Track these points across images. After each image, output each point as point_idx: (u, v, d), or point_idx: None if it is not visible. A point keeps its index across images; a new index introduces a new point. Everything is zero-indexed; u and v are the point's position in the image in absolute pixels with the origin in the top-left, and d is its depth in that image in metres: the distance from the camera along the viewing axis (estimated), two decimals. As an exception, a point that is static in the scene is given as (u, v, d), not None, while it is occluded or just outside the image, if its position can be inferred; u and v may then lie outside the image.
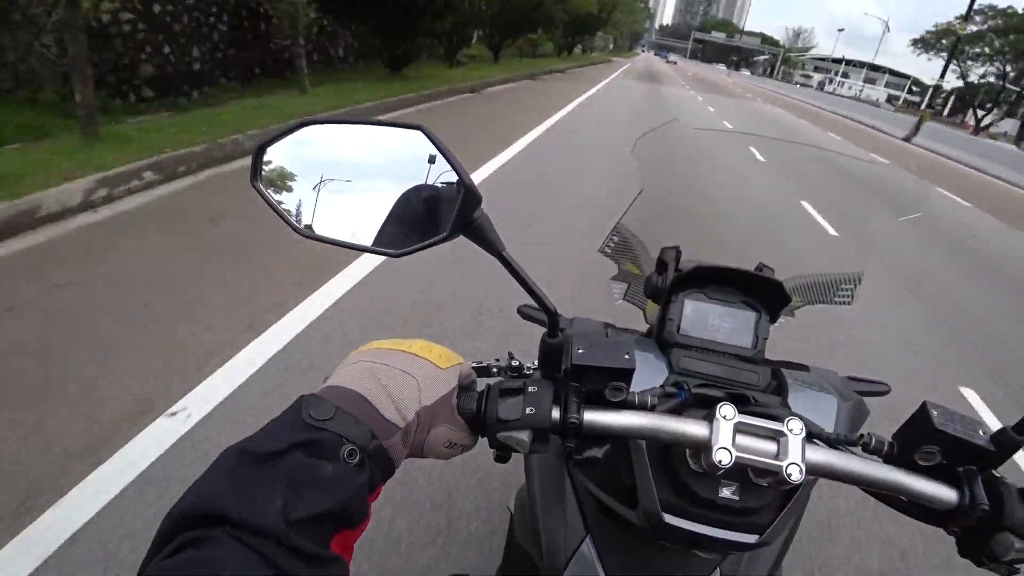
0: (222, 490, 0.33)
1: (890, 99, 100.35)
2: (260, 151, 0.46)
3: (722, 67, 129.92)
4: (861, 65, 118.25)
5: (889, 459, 0.49)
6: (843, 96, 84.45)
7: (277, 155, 0.47)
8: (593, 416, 0.47)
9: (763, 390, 0.63)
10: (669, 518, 0.53)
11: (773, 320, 0.71)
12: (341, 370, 0.45)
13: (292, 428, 0.38)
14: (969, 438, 0.45)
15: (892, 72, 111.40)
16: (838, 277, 0.90)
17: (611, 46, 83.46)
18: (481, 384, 0.52)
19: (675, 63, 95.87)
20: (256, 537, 0.31)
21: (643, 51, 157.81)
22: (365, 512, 0.38)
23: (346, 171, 0.48)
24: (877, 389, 0.79)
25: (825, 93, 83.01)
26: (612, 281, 0.98)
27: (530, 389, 0.48)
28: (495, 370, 0.61)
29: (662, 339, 0.70)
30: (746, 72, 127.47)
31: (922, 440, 0.46)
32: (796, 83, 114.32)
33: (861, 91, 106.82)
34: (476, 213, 0.45)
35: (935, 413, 0.46)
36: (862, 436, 0.50)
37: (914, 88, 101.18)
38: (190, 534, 0.31)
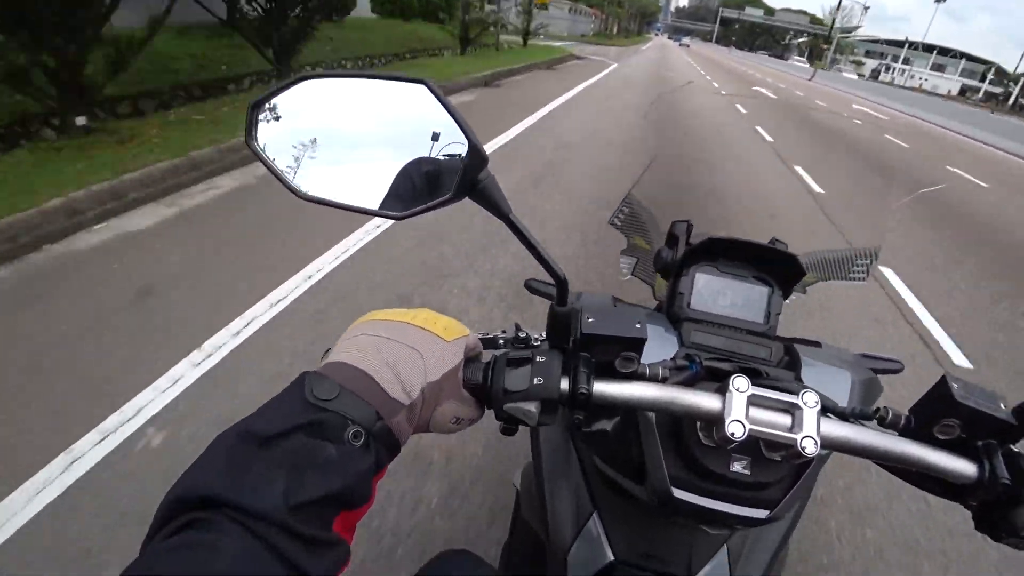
0: (223, 473, 0.33)
1: (964, 91, 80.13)
2: (255, 108, 0.44)
3: (798, 61, 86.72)
4: (928, 49, 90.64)
5: (906, 433, 0.47)
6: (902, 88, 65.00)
7: (273, 112, 0.45)
8: (603, 387, 0.46)
9: (775, 365, 0.61)
10: (678, 493, 0.52)
11: (785, 295, 0.70)
12: (343, 344, 0.44)
13: (295, 408, 0.37)
14: (991, 411, 0.44)
15: (969, 57, 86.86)
16: (853, 253, 0.88)
17: (612, 29, 62.98)
18: (487, 356, 0.51)
19: (688, 45, 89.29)
20: (256, 521, 0.30)
21: (657, 35, 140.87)
22: (369, 493, 0.37)
23: (346, 129, 0.46)
24: (890, 367, 0.78)
25: (882, 84, 62.39)
26: (621, 256, 0.96)
27: (538, 359, 0.46)
28: (501, 342, 0.60)
29: (672, 313, 0.69)
30: (850, 73, 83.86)
31: (941, 413, 0.45)
32: (840, 70, 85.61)
33: (924, 81, 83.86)
34: (482, 174, 0.43)
35: (955, 386, 0.45)
36: (878, 410, 0.49)
37: (992, 77, 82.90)
38: (189, 515, 0.31)
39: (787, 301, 0.72)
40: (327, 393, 0.37)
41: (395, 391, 0.41)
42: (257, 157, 0.45)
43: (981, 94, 78.67)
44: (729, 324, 0.67)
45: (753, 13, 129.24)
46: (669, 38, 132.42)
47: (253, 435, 0.35)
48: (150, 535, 0.31)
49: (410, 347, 0.44)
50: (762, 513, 0.52)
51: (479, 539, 1.59)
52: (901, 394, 2.24)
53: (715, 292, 0.69)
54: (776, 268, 0.69)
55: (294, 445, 0.34)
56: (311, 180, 0.46)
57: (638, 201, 0.95)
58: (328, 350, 0.44)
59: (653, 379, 0.48)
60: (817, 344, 0.70)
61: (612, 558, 0.64)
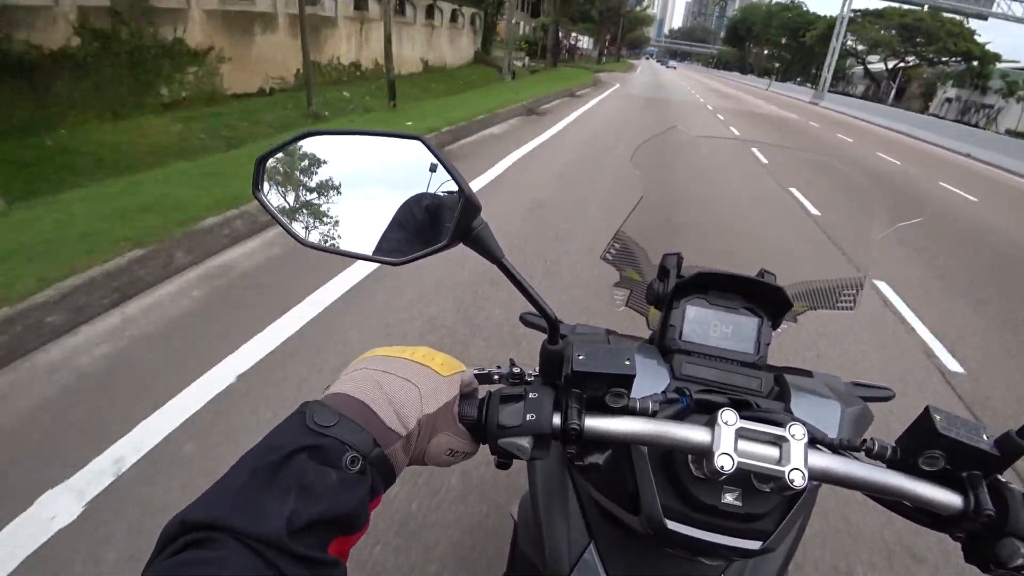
0: (226, 499, 0.34)
1: None
2: (261, 162, 0.47)
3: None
4: None
5: (892, 464, 0.48)
6: None
7: (278, 166, 0.48)
8: (594, 422, 0.47)
9: (766, 396, 0.62)
10: (672, 524, 0.53)
11: (775, 326, 0.71)
12: (344, 378, 0.46)
13: (296, 434, 0.38)
14: (973, 443, 0.44)
15: None
16: (840, 283, 0.90)
17: (515, 61, 20.68)
18: (483, 392, 0.53)
19: (674, 67, 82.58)
20: (258, 542, 0.32)
21: (648, 59, 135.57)
22: (365, 519, 0.38)
23: (345, 181, 0.49)
24: (881, 395, 0.79)
25: None
26: (615, 288, 0.98)
27: (531, 395, 0.48)
28: (496, 377, 0.61)
29: (664, 345, 0.70)
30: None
31: (925, 445, 0.46)
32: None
33: None
34: (475, 222, 0.45)
35: (938, 418, 0.46)
36: (865, 441, 0.49)
37: None
38: (193, 535, 0.32)
39: (778, 330, 0.73)
40: (327, 420, 0.39)
41: (392, 421, 0.42)
42: (262, 206, 0.47)
43: None
44: (720, 355, 0.68)
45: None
46: (658, 62, 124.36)
47: (255, 460, 0.36)
48: (153, 557, 0.32)
49: (408, 381, 0.45)
50: (755, 544, 0.53)
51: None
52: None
53: (706, 324, 0.70)
54: (765, 299, 0.71)
55: (295, 470, 0.36)
56: (313, 228, 0.48)
57: (628, 237, 0.97)
58: (329, 385, 0.46)
59: (643, 413, 0.49)
60: (808, 373, 0.71)
61: None
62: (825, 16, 72.95)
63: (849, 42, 59.57)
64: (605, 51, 55.09)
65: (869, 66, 66.69)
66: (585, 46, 53.15)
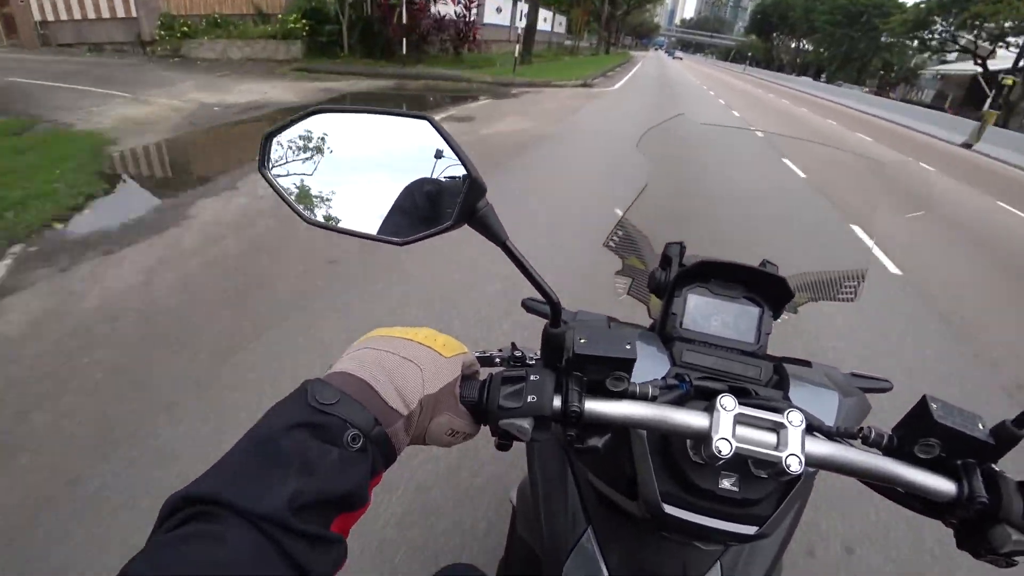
0: (227, 474, 0.34)
1: None
2: (268, 139, 0.47)
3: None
4: None
5: (888, 452, 0.49)
6: None
7: (285, 143, 0.48)
8: (594, 405, 0.48)
9: (765, 384, 0.63)
10: (669, 508, 0.53)
11: (776, 316, 0.71)
12: (346, 357, 0.46)
13: (297, 412, 0.38)
14: (968, 431, 0.45)
15: None
16: (842, 274, 0.90)
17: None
18: (484, 374, 0.53)
19: (680, 58, 76.58)
20: (260, 518, 0.32)
21: (656, 50, 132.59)
22: (366, 497, 0.39)
23: (352, 160, 0.49)
24: (879, 385, 0.79)
25: None
26: (616, 276, 0.98)
27: (532, 378, 0.48)
28: (498, 360, 0.61)
29: (665, 333, 0.70)
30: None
31: (921, 433, 0.47)
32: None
33: None
34: (480, 203, 0.45)
35: (935, 407, 0.46)
36: (862, 429, 0.50)
37: None
38: (194, 509, 0.32)
39: (778, 320, 0.73)
40: (328, 398, 0.39)
41: (394, 401, 0.43)
42: (268, 183, 0.47)
43: None
44: (720, 344, 0.68)
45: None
46: (666, 52, 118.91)
47: (256, 438, 0.36)
48: (154, 531, 0.32)
49: (410, 361, 0.46)
50: (751, 529, 0.53)
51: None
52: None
53: (707, 313, 0.70)
54: (766, 289, 0.71)
55: (296, 447, 0.36)
56: (318, 207, 0.48)
57: (632, 225, 0.97)
58: (331, 364, 0.46)
59: (643, 398, 0.49)
60: (807, 363, 0.72)
61: (606, 574, 0.65)
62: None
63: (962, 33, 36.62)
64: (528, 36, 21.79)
65: (935, 68, 45.96)
66: (551, 27, 29.97)
